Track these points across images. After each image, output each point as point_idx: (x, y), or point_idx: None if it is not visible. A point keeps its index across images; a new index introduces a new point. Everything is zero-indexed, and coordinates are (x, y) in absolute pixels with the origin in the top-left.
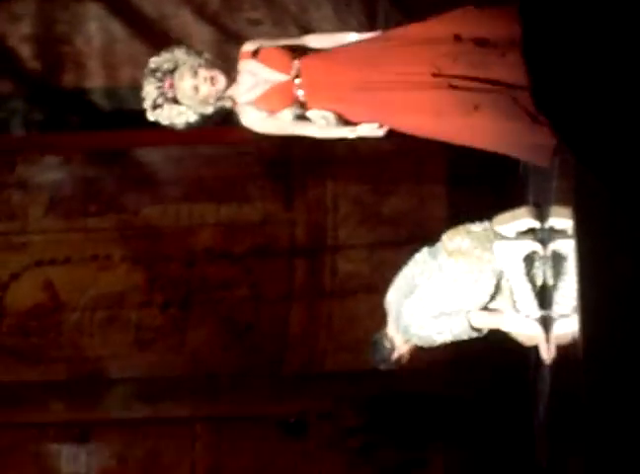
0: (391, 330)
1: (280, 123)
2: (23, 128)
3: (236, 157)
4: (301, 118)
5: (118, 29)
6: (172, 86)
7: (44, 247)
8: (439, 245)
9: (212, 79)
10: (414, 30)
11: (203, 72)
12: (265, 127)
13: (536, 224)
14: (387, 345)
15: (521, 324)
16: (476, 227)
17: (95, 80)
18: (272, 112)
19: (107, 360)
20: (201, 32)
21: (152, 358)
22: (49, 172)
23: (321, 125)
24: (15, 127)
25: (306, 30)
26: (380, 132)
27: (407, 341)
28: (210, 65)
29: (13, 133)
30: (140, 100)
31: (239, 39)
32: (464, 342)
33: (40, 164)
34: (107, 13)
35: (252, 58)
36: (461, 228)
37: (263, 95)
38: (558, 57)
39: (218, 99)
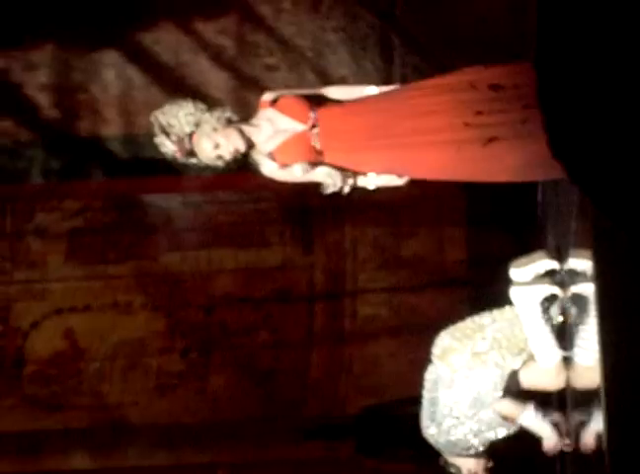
0: (446, 455)
1: (292, 175)
2: (41, 177)
3: (254, 202)
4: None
5: (134, 76)
6: (191, 153)
7: (64, 295)
8: (432, 357)
9: (235, 150)
10: (430, 81)
11: (223, 141)
12: (280, 177)
13: (555, 265)
14: (453, 470)
15: (540, 366)
16: (460, 323)
17: (112, 128)
18: (284, 165)
19: (128, 407)
20: (218, 78)
21: (173, 405)
22: (68, 220)
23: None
24: (34, 176)
25: (323, 74)
26: (400, 182)
27: (462, 457)
28: (224, 125)
29: (32, 182)
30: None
31: (256, 85)
32: None
33: (58, 212)
34: (123, 60)
35: (271, 106)
36: (443, 331)
37: (281, 145)
38: (576, 109)
39: None
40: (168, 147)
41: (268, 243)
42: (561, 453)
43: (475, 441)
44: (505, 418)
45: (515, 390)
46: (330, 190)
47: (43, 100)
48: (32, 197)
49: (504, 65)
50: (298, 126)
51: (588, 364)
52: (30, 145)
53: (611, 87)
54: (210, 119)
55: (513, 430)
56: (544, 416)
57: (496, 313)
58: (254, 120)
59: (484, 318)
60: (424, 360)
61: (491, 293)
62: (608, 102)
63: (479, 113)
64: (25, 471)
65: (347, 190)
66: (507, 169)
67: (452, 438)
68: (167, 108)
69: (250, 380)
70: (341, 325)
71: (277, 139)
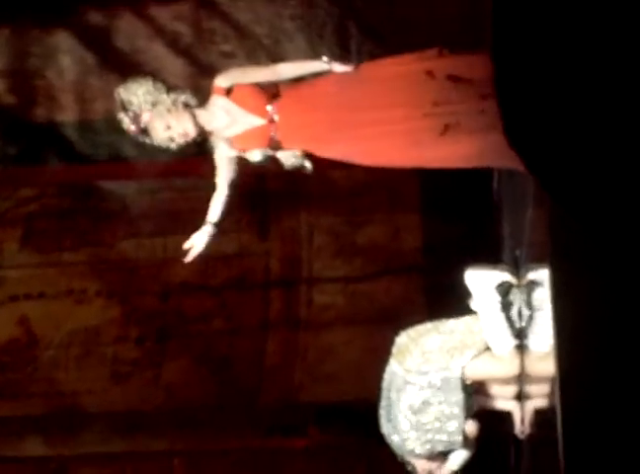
0: (400, 453)
1: (252, 158)
2: None
3: (210, 189)
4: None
5: (90, 62)
6: (145, 131)
7: (19, 282)
8: (390, 356)
9: (185, 133)
10: (386, 68)
11: (174, 124)
12: (230, 163)
13: (510, 278)
14: (409, 468)
15: (494, 353)
16: (420, 325)
17: (68, 114)
18: (243, 150)
19: (83, 395)
20: (174, 65)
21: (128, 392)
22: (23, 206)
23: (290, 163)
24: None
25: (279, 62)
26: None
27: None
28: (179, 108)
29: None
30: (113, 133)
31: (212, 72)
32: None
33: (14, 198)
34: (79, 46)
35: (225, 96)
36: (404, 330)
37: (240, 135)
38: (532, 98)
39: None
40: (125, 123)
41: (224, 230)
42: (516, 440)
43: (424, 447)
44: (464, 382)
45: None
46: (291, 166)
47: None
48: None
49: (460, 55)
50: (256, 120)
51: (543, 351)
52: None
53: (567, 77)
54: (166, 101)
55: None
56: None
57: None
58: (209, 106)
59: (443, 320)
60: (379, 349)
61: (447, 280)
62: (565, 92)
63: (436, 103)
64: None
65: (309, 166)
66: (463, 156)
67: (404, 440)
68: (129, 84)
69: (205, 368)
70: (296, 312)
71: (235, 128)
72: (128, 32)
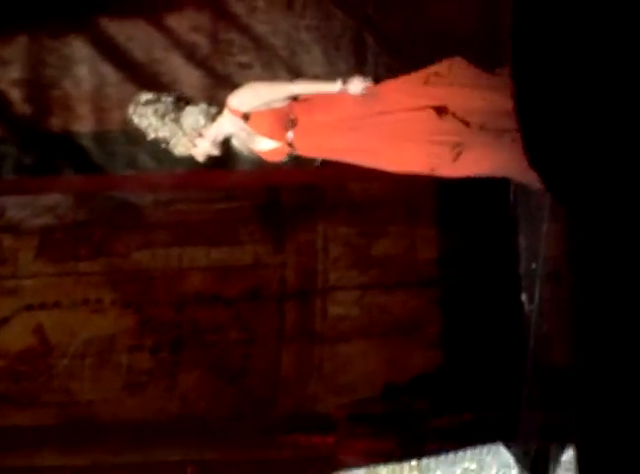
0: None
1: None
2: (13, 172)
3: (226, 201)
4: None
5: (107, 72)
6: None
7: (35, 291)
8: None
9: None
10: (397, 100)
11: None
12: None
13: None
14: None
15: None
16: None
17: (84, 124)
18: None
19: (98, 405)
20: (191, 76)
21: (143, 403)
22: (40, 216)
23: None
24: (5, 172)
25: (296, 73)
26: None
27: None
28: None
29: (3, 178)
30: (129, 143)
31: (229, 84)
32: None
33: (30, 208)
34: (96, 57)
35: (243, 119)
36: None
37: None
38: (553, 119)
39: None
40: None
41: (239, 241)
42: None
43: None
44: None
45: None
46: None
47: (16, 95)
48: (3, 193)
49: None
50: (275, 144)
51: None
52: (1, 141)
53: (588, 98)
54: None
55: None
56: None
57: None
58: (225, 123)
59: None
60: (394, 360)
61: (462, 293)
62: (586, 114)
63: (449, 132)
64: None
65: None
66: (479, 172)
67: None
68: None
69: (220, 378)
70: (311, 324)
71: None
72: (146, 42)
